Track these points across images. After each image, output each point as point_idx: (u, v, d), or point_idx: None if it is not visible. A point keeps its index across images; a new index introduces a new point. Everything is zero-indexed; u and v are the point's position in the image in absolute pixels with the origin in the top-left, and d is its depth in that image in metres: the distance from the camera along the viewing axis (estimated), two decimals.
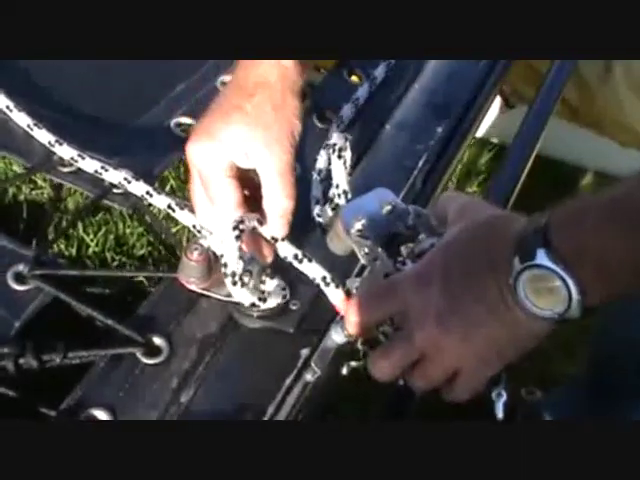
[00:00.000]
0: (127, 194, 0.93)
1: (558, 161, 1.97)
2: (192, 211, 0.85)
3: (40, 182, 1.54)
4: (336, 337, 0.77)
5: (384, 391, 0.95)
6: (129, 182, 0.90)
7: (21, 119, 0.95)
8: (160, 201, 0.88)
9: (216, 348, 0.83)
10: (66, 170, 0.95)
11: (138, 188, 0.90)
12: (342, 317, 0.76)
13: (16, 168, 1.56)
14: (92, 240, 1.56)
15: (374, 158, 1.02)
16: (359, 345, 0.75)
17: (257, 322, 0.84)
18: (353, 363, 0.85)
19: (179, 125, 1.02)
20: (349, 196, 0.84)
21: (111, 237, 1.60)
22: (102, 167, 0.91)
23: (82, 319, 0.85)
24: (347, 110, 1.04)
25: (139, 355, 0.81)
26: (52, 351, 0.80)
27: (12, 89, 0.98)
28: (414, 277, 0.68)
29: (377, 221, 0.76)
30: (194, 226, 0.86)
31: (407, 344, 0.68)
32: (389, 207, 0.76)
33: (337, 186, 0.83)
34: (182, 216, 0.87)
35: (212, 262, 0.83)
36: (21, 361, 0.79)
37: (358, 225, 0.76)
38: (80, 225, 1.55)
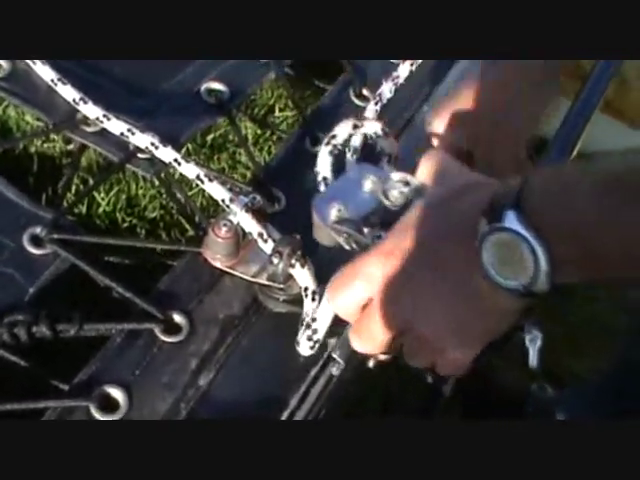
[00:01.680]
0: (152, 160, 0.88)
1: (588, 154, 1.93)
2: (222, 183, 0.81)
3: (57, 139, 1.49)
4: None
5: (409, 383, 0.92)
6: (156, 147, 0.85)
7: (45, 73, 0.90)
8: (189, 170, 0.84)
9: (238, 330, 0.79)
10: (89, 130, 0.90)
11: (166, 154, 0.85)
12: None
13: (29, 119, 1.51)
14: (103, 199, 1.51)
15: (410, 139, 0.98)
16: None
17: (283, 306, 0.80)
18: (381, 356, 0.82)
19: (209, 91, 0.97)
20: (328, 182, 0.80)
21: (123, 197, 1.55)
22: (129, 130, 0.86)
23: (99, 289, 0.81)
24: (386, 88, 0.99)
25: (158, 332, 0.77)
26: (67, 321, 0.76)
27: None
28: (377, 251, 0.62)
29: (357, 202, 0.70)
30: (223, 200, 0.81)
31: (374, 324, 0.63)
32: (369, 183, 0.70)
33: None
34: (211, 188, 0.82)
35: (240, 239, 0.80)
36: (34, 330, 0.75)
37: (334, 212, 0.70)
38: (91, 182, 1.50)
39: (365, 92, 1.01)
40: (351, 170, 0.75)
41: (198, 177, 0.83)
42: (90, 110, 0.88)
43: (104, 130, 0.89)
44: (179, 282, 0.81)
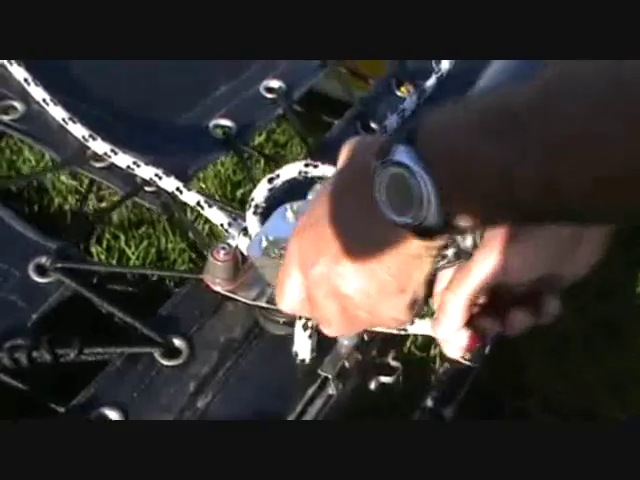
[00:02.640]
0: (158, 193, 0.90)
1: None
2: (221, 208, 0.82)
3: (69, 177, 1.52)
4: (345, 340, 0.73)
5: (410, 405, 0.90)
6: (160, 178, 0.87)
7: (57, 112, 0.93)
8: (190, 198, 0.85)
9: (238, 354, 0.79)
10: (98, 165, 0.92)
11: (169, 184, 0.87)
12: None
13: (48, 158, 1.55)
14: (133, 253, 1.54)
15: None
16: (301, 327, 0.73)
17: (283, 328, 0.80)
18: (383, 378, 0.81)
19: (218, 127, 0.99)
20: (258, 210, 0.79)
21: (152, 251, 1.58)
22: (134, 162, 0.88)
23: (103, 317, 0.82)
24: (392, 121, 1.00)
25: (157, 356, 0.77)
26: (67, 346, 0.76)
27: (51, 82, 0.96)
28: (293, 235, 0.61)
29: (280, 229, 0.69)
30: (222, 224, 0.82)
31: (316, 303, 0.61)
32: (290, 212, 0.70)
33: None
34: (211, 213, 0.83)
35: (239, 263, 0.80)
36: (34, 354, 0.76)
37: (263, 243, 0.69)
38: (122, 237, 1.53)
39: (372, 125, 1.02)
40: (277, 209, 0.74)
41: (198, 203, 0.84)
42: (99, 146, 0.90)
43: (112, 165, 0.91)
44: (180, 308, 0.82)
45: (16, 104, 0.97)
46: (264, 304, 0.79)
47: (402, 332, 0.76)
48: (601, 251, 0.64)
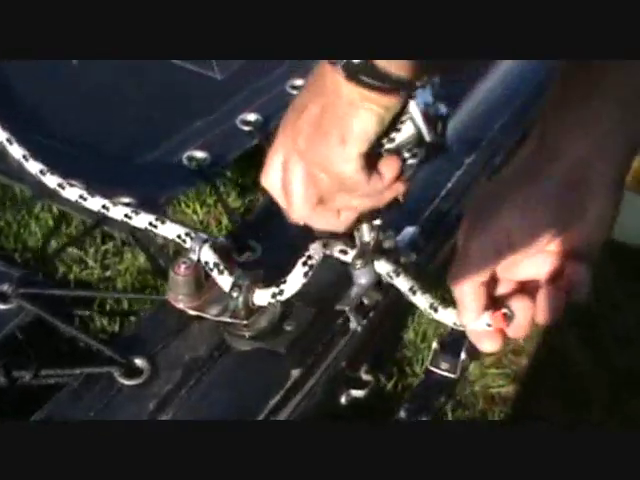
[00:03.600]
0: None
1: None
2: (175, 223, 0.79)
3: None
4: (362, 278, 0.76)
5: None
6: (107, 209, 0.85)
7: (15, 151, 0.92)
8: (140, 221, 0.83)
9: (202, 372, 0.76)
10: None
11: (117, 213, 0.85)
12: None
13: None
14: (104, 277, 1.49)
15: None
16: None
17: (249, 343, 0.77)
18: (354, 392, 0.77)
19: (192, 159, 0.98)
20: None
21: (126, 275, 1.53)
22: (80, 196, 0.86)
23: (66, 341, 0.80)
24: None
25: (117, 375, 0.75)
26: (24, 368, 0.74)
27: (16, 118, 0.96)
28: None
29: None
30: (179, 236, 0.79)
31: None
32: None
33: None
34: (166, 229, 0.81)
35: (202, 278, 0.78)
36: None
37: None
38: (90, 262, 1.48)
39: None
40: None
41: (150, 224, 0.82)
42: (50, 180, 0.88)
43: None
44: (144, 329, 0.80)
45: None
46: (228, 319, 0.77)
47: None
48: (614, 207, 0.61)
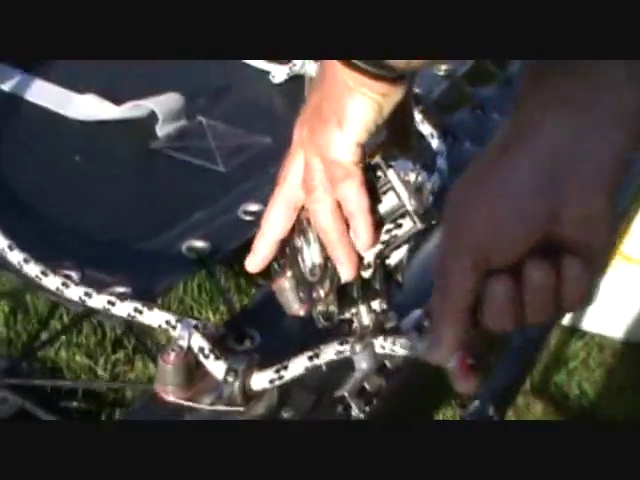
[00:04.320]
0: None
1: None
2: (161, 309, 0.76)
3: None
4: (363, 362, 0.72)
5: None
6: (90, 296, 0.82)
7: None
8: (121, 309, 0.80)
9: None
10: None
11: (97, 302, 0.82)
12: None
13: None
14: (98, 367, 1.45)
15: None
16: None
17: None
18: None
19: (191, 249, 0.96)
20: None
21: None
22: (63, 283, 0.84)
23: None
24: None
25: None
26: None
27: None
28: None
29: None
30: (167, 322, 0.76)
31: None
32: None
33: None
34: (151, 316, 0.77)
35: (193, 367, 0.74)
36: None
37: None
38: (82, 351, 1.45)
39: None
40: None
41: (135, 309, 0.79)
42: (31, 269, 0.86)
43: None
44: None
45: None
46: (222, 407, 0.73)
47: None
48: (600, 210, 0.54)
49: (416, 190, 0.66)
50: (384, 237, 0.68)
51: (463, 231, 0.57)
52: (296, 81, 1.26)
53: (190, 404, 0.74)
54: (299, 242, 0.72)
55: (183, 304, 1.50)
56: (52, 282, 0.85)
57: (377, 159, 0.67)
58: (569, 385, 1.80)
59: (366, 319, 0.73)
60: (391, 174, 0.66)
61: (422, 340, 0.71)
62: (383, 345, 0.73)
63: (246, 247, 0.98)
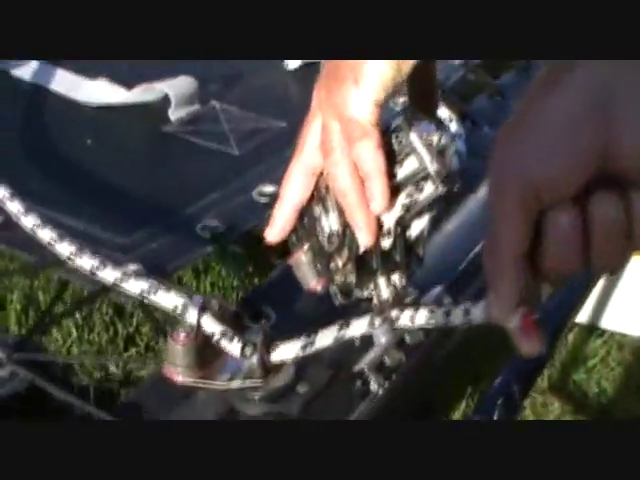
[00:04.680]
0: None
1: None
2: (170, 290, 0.73)
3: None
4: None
5: None
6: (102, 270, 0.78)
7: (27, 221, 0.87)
8: (134, 286, 0.76)
9: None
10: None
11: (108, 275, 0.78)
12: None
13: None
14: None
15: None
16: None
17: (258, 407, 0.70)
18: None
19: (204, 228, 0.94)
20: None
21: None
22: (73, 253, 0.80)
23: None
24: None
25: None
26: None
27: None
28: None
29: None
30: (176, 307, 0.72)
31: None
32: None
33: None
34: (161, 297, 0.73)
35: (203, 347, 0.71)
36: None
37: None
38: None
39: None
40: None
41: (145, 291, 0.75)
42: (64, 248, 0.83)
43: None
44: (146, 396, 0.74)
45: None
46: (240, 383, 0.70)
47: None
48: None
49: (438, 152, 0.64)
50: (405, 200, 0.66)
51: (509, 167, 0.50)
52: (310, 67, 1.24)
53: (204, 385, 0.71)
54: (317, 210, 0.70)
55: (198, 283, 1.48)
56: (65, 249, 0.82)
57: (399, 121, 0.66)
58: (588, 383, 1.78)
59: (385, 292, 0.71)
60: (413, 136, 0.64)
61: (476, 305, 0.65)
62: (401, 318, 0.71)
63: (261, 228, 0.97)
